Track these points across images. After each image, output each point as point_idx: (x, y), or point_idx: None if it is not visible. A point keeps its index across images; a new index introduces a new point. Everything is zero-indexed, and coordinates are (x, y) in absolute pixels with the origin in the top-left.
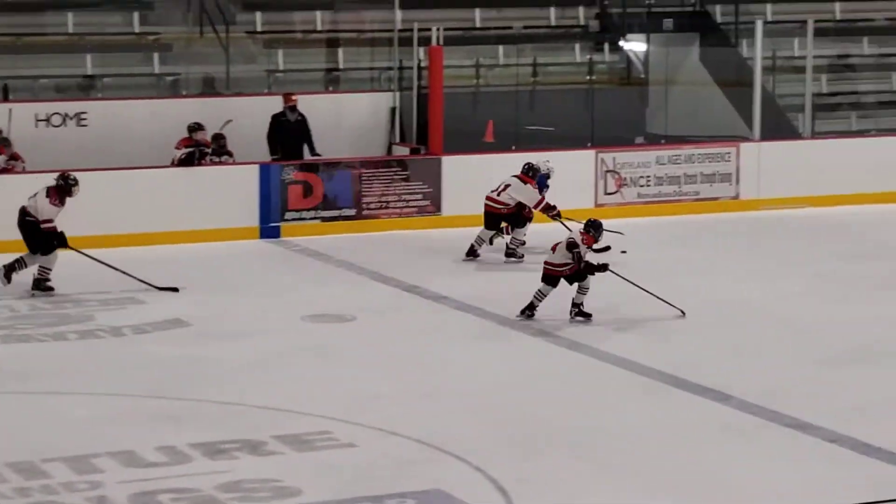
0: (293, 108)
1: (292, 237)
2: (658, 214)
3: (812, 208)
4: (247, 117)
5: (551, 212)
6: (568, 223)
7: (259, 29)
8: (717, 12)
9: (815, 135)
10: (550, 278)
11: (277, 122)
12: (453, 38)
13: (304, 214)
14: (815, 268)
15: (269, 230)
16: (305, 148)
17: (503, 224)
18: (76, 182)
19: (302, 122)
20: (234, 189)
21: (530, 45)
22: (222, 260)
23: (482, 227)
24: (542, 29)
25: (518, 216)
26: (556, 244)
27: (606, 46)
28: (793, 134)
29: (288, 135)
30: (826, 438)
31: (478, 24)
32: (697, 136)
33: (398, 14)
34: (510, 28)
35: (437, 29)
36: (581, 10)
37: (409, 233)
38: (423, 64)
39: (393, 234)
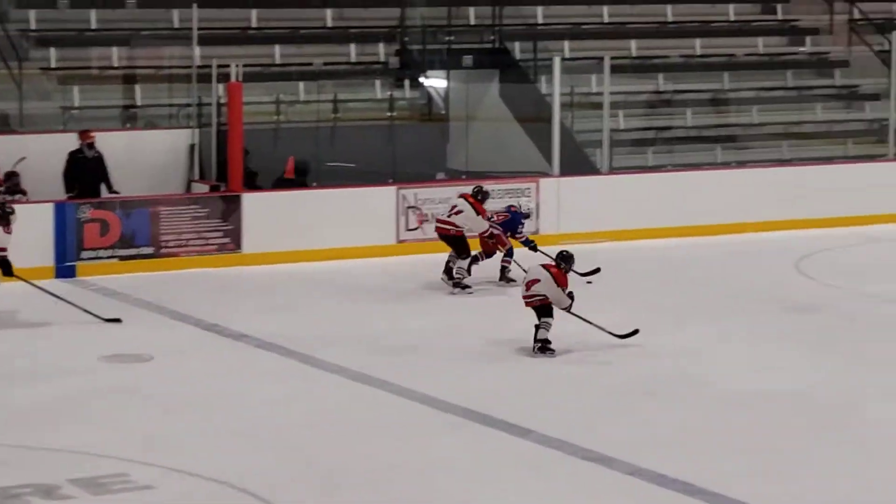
0: (91, 146)
1: (89, 276)
2: None
3: (611, 243)
4: (41, 155)
5: (492, 240)
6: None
7: (53, 65)
8: (516, 49)
9: (613, 170)
10: (536, 309)
11: (74, 159)
12: (253, 75)
13: (101, 253)
14: (613, 301)
15: (64, 270)
16: (103, 186)
17: (479, 251)
18: (13, 211)
19: (99, 159)
20: (28, 228)
21: (331, 82)
22: (16, 300)
23: (450, 254)
24: (342, 65)
25: (464, 244)
26: (532, 281)
27: (407, 83)
28: (591, 169)
29: (85, 172)
30: (624, 471)
31: (277, 61)
32: (498, 172)
33: (196, 50)
34: (310, 64)
35: (237, 65)
36: (381, 47)
37: (208, 271)
38: (222, 100)
39: (192, 273)
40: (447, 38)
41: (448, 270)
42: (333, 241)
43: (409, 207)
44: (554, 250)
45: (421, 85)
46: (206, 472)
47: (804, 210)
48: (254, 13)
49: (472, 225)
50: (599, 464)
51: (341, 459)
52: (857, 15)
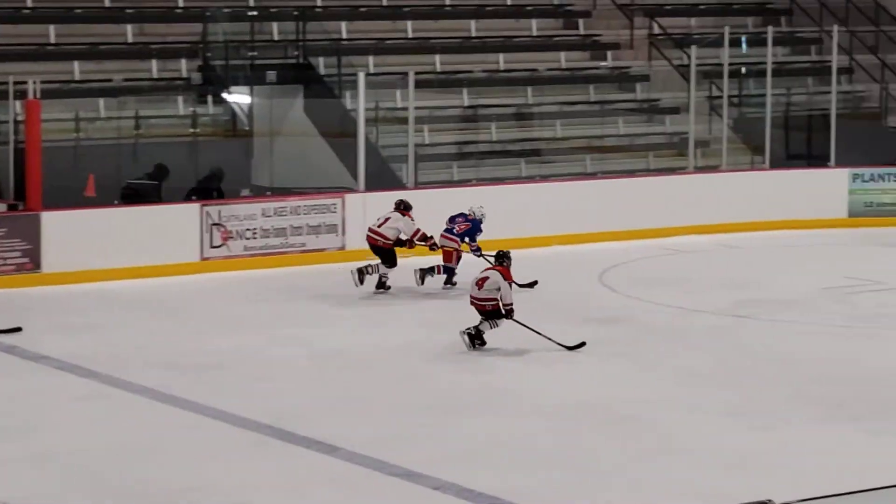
0: None
1: None
2: (265, 267)
3: (416, 257)
4: None
5: (427, 242)
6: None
7: None
8: (321, 64)
9: (419, 185)
10: (485, 313)
11: None
12: (51, 92)
13: None
14: (421, 317)
15: None
16: None
17: (436, 266)
18: None
19: None
20: None
21: (133, 98)
22: None
23: (378, 261)
24: (143, 81)
25: (393, 253)
26: (482, 279)
27: (210, 99)
28: (396, 184)
29: None
30: (430, 486)
31: (77, 77)
32: (303, 188)
33: None
34: (110, 81)
35: (34, 82)
36: (183, 63)
37: (6, 291)
38: (19, 118)
39: None
40: (250, 54)
41: (361, 276)
42: (136, 260)
43: (213, 224)
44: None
45: (224, 101)
46: (5, 498)
47: (607, 223)
48: (52, 29)
49: (403, 226)
50: (405, 479)
51: (141, 481)
52: (656, 30)
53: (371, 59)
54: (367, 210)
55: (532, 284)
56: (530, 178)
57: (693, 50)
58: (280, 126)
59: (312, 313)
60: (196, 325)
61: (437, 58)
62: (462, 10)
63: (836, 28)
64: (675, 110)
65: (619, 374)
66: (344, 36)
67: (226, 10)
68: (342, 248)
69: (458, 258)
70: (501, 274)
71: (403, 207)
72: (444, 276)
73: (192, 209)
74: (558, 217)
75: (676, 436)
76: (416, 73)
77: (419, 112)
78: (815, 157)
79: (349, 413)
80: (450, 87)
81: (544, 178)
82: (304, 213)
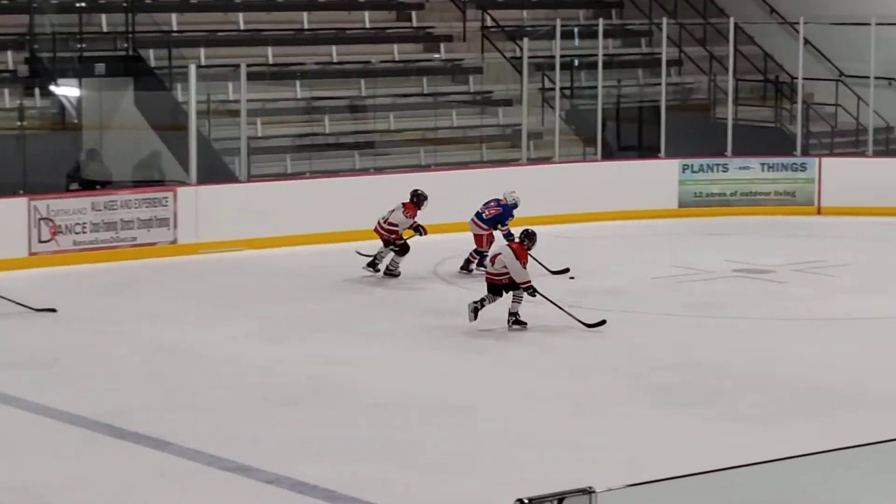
0: None
1: None
2: (95, 261)
3: (249, 251)
4: None
5: (419, 231)
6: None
7: None
8: (151, 57)
9: (252, 178)
10: (492, 287)
11: None
12: None
13: None
14: (254, 309)
15: None
16: None
17: (471, 258)
18: None
19: None
20: None
21: None
22: None
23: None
24: None
25: (403, 244)
26: (495, 255)
27: (38, 91)
28: (229, 177)
29: None
30: (264, 480)
31: None
32: (135, 181)
33: None
34: None
35: None
36: (10, 55)
37: None
38: None
39: None
40: (79, 46)
41: (373, 263)
42: None
43: (41, 219)
44: (197, 259)
45: (52, 93)
46: None
47: (441, 215)
48: None
49: (398, 220)
50: (239, 474)
51: None
52: (489, 22)
53: (202, 51)
54: (199, 203)
55: (564, 271)
56: (364, 171)
57: (525, 42)
58: (110, 119)
59: (144, 308)
60: (28, 320)
61: (270, 50)
62: (294, 1)
63: (665, 21)
64: (507, 102)
65: (453, 365)
66: (174, 28)
67: (53, 2)
68: (174, 241)
69: (490, 241)
70: (514, 252)
71: (414, 199)
72: (475, 259)
73: (19, 203)
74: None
75: (509, 427)
76: (249, 66)
77: (252, 104)
78: (645, 149)
79: (181, 408)
80: (283, 80)
81: (378, 170)
82: (135, 207)
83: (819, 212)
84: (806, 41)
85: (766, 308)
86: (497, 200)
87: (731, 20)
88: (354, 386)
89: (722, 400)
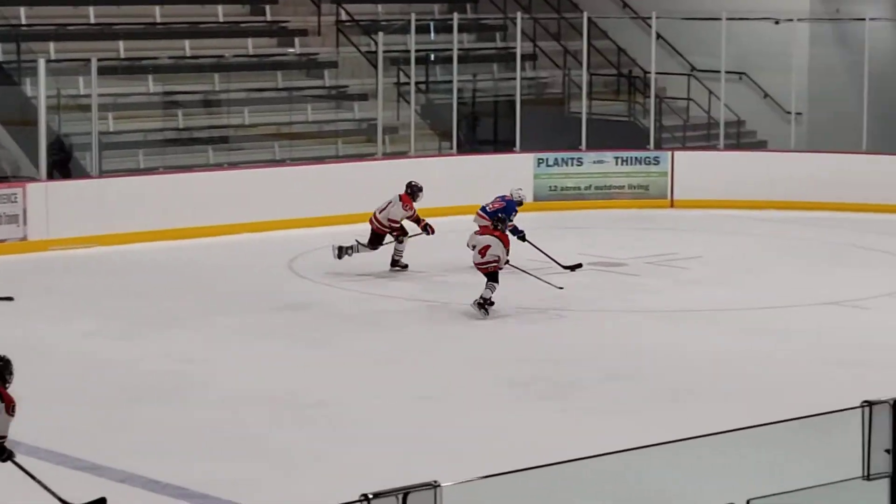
0: None
1: None
2: None
3: (101, 247)
4: None
5: (419, 224)
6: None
7: None
8: None
9: (103, 173)
10: (487, 275)
11: None
12: None
13: None
14: (106, 306)
15: None
16: None
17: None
18: None
19: None
20: None
21: None
22: None
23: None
24: None
25: (401, 228)
26: (484, 247)
27: None
28: (81, 173)
29: None
30: (116, 479)
31: None
32: None
33: None
34: None
35: None
36: None
37: None
38: None
39: None
40: None
41: (341, 253)
42: None
43: None
44: (47, 256)
45: None
46: None
47: (297, 210)
48: None
49: (397, 212)
50: (91, 472)
51: None
52: (344, 17)
53: (52, 46)
54: (48, 199)
55: (576, 267)
56: (218, 166)
57: (380, 36)
58: None
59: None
60: None
61: (121, 44)
62: None
63: (520, 15)
64: (363, 97)
65: (309, 360)
66: (23, 21)
67: None
68: (24, 238)
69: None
70: (500, 241)
71: (408, 191)
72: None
73: None
74: (247, 205)
75: (360, 421)
76: (100, 60)
77: (103, 99)
78: (501, 143)
79: (30, 406)
80: (135, 74)
81: (232, 165)
82: None
83: (672, 205)
84: (658, 36)
85: (619, 301)
86: (503, 196)
87: (585, 15)
88: (206, 382)
89: (576, 392)
